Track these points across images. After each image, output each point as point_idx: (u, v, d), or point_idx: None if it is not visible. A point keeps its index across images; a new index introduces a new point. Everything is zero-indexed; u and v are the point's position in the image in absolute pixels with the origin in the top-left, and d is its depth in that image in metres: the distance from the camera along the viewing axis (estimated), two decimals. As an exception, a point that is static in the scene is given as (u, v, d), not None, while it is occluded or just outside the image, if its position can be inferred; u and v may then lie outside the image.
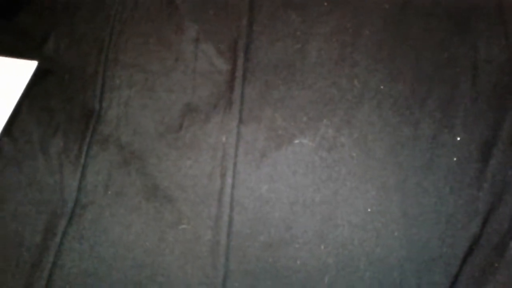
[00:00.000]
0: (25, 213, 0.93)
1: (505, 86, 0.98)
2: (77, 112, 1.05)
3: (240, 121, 1.00)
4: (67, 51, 1.12)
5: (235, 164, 0.96)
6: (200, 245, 0.90)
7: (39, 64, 1.12)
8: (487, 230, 0.87)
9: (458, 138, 0.94)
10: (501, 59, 1.01)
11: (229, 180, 0.94)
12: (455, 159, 0.93)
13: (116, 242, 0.91)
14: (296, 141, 0.97)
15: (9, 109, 1.03)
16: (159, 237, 0.91)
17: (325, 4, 1.10)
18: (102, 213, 0.93)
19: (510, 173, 0.91)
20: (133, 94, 1.05)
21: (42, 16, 1.18)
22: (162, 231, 0.92)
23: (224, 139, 0.99)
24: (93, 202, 0.95)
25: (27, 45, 1.15)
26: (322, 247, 0.88)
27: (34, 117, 1.04)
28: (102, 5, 1.15)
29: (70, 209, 0.94)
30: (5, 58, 1.10)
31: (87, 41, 1.12)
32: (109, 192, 0.95)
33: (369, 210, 0.90)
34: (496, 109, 0.96)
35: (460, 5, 1.08)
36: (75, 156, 0.99)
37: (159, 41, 1.10)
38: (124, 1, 1.14)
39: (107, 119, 1.03)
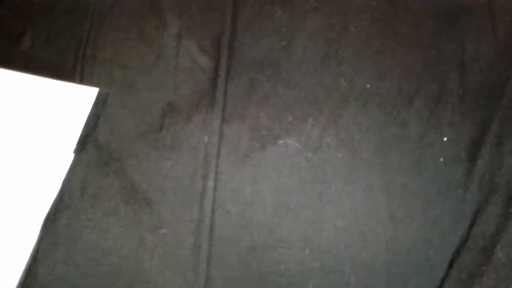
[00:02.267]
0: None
1: (492, 84, 0.97)
2: (53, 111, 1.00)
3: (223, 120, 0.97)
4: (44, 47, 1.08)
5: (217, 165, 0.93)
6: (181, 250, 0.87)
7: (15, 60, 1.07)
8: (474, 232, 0.86)
9: (445, 138, 0.92)
10: (489, 57, 0.99)
11: (211, 182, 0.91)
12: (442, 159, 0.91)
13: (93, 248, 0.87)
14: (281, 141, 0.94)
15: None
16: (137, 242, 0.88)
17: (311, 0, 1.07)
18: (78, 217, 0.90)
19: (497, 174, 0.89)
20: (112, 92, 1.01)
21: (19, 11, 1.13)
22: (141, 235, 0.88)
23: (206, 139, 0.95)
24: (69, 206, 0.90)
25: (3, 41, 1.10)
26: (307, 251, 0.86)
27: (8, 116, 0.99)
28: (80, 0, 1.10)
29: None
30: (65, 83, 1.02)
31: (65, 37, 1.07)
32: (86, 195, 0.91)
33: (355, 212, 0.88)
34: (483, 109, 0.94)
35: (449, 2, 1.06)
36: (51, 157, 0.95)
37: (139, 36, 1.06)
38: (103, -5, 1.10)
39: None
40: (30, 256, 0.85)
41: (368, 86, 0.98)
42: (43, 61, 1.06)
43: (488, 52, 1.00)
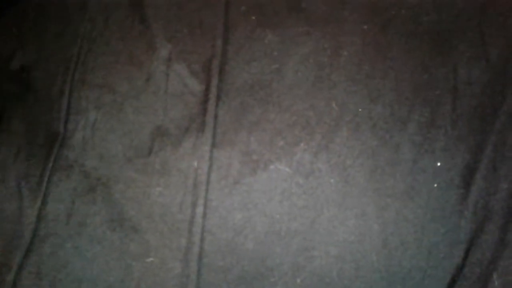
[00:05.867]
0: (-22, 246, 0.86)
1: (486, 108, 0.95)
2: (40, 135, 0.99)
3: (213, 145, 0.95)
4: (33, 70, 1.07)
5: (207, 191, 0.91)
6: (169, 279, 0.84)
7: (4, 82, 1.06)
8: (470, 260, 0.83)
9: (439, 164, 0.91)
10: (482, 81, 0.98)
11: (200, 209, 0.89)
12: (435, 185, 0.89)
13: (78, 277, 0.85)
14: (272, 167, 0.93)
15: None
16: (124, 271, 0.85)
17: (303, 24, 1.07)
18: (63, 245, 0.87)
19: (492, 200, 0.88)
20: (101, 117, 0.99)
21: (9, 33, 1.13)
22: (128, 264, 0.86)
23: (195, 164, 0.94)
24: (54, 233, 0.88)
25: (-9, 63, 1.09)
26: (299, 280, 0.83)
27: (-6, 140, 0.98)
28: (71, 23, 1.10)
29: (27, 240, 0.87)
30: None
31: (54, 60, 1.06)
32: (71, 222, 0.89)
33: (348, 240, 0.86)
34: (477, 133, 0.93)
35: (440, 26, 1.06)
36: (36, 183, 0.93)
37: (129, 60, 1.05)
38: (93, 19, 1.09)
39: (72, 143, 0.97)
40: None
41: (360, 110, 0.96)
42: (31, 84, 1.05)
43: (481, 76, 0.99)
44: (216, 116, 0.98)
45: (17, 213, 0.90)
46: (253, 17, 1.09)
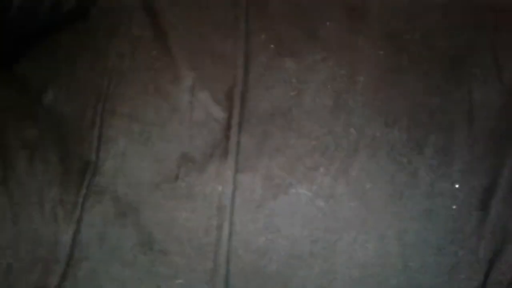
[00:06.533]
0: (17, 270, 0.91)
1: (502, 131, 0.98)
2: (73, 163, 1.04)
3: (237, 170, 0.99)
4: (65, 101, 1.13)
5: (231, 215, 0.95)
6: (196, 301, 0.88)
7: (39, 115, 1.12)
8: (490, 281, 0.85)
9: (457, 186, 0.93)
10: (497, 104, 1.01)
11: (225, 232, 0.93)
12: (454, 207, 0.91)
13: (111, 299, 0.89)
14: (293, 191, 0.96)
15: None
16: (154, 293, 0.89)
17: (320, 51, 1.11)
18: (96, 269, 0.92)
19: (511, 221, 0.89)
20: (130, 145, 1.05)
21: (42, 65, 1.19)
22: (158, 286, 0.90)
23: (220, 188, 0.98)
24: (87, 257, 0.93)
25: (26, 95, 1.15)
26: (321, 302, 0.86)
27: (31, 169, 1.04)
28: (101, 56, 1.16)
29: (63, 265, 0.92)
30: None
31: (85, 91, 1.12)
32: (104, 247, 0.94)
33: (369, 262, 0.88)
34: (494, 156, 0.95)
35: (454, 50, 1.09)
36: (70, 209, 0.98)
37: (156, 90, 1.11)
38: (122, 52, 1.15)
39: (103, 170, 1.02)
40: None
41: (377, 135, 1.00)
42: (64, 115, 1.11)
43: (496, 98, 1.01)
44: (238, 143, 1.02)
45: (53, 238, 0.95)
46: (272, 46, 1.14)
